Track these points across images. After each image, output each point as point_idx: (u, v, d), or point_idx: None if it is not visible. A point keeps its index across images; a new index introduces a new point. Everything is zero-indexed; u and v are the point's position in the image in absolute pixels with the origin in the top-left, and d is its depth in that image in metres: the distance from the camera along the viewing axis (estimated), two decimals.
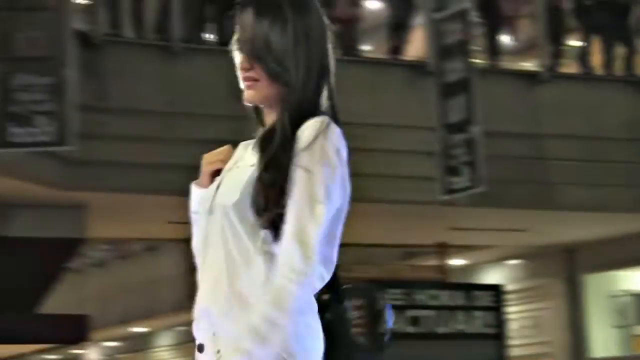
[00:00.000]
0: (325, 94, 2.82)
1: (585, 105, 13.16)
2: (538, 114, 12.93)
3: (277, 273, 2.61)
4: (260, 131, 2.80)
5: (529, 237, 14.56)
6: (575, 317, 15.85)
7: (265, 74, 2.74)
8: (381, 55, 13.45)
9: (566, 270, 15.95)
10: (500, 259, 16.40)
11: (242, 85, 2.77)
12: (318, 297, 2.72)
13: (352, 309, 2.91)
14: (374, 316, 3.03)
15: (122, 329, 22.01)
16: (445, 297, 12.38)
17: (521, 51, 14.81)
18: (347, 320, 2.89)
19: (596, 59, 13.91)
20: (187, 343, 19.89)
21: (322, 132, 2.68)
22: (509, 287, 14.84)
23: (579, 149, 12.94)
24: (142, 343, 21.64)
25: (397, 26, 12.96)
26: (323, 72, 2.83)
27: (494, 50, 13.31)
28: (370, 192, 11.94)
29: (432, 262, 14.75)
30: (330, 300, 2.81)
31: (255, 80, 2.76)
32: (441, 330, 12.21)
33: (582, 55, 13.89)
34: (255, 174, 2.69)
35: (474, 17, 12.51)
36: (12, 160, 10.06)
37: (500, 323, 12.72)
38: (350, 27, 12.96)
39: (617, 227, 14.01)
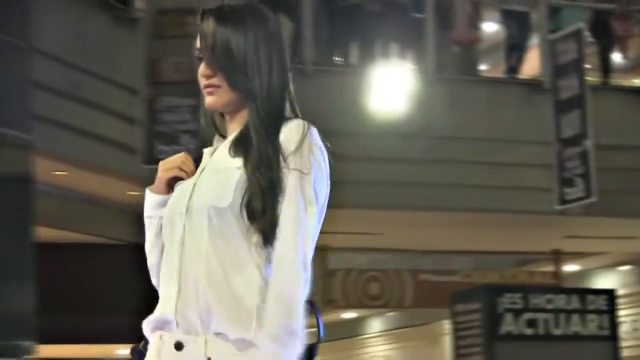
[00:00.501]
0: (287, 98, 2.72)
1: None
2: None
3: (282, 275, 2.54)
4: (228, 137, 2.71)
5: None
6: None
7: (226, 81, 2.66)
8: (499, 74, 13.35)
9: None
10: (613, 265, 16.15)
11: (203, 92, 2.69)
12: None
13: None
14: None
15: None
16: (560, 301, 12.21)
17: (631, 68, 14.60)
18: None
19: None
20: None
21: (306, 135, 2.61)
22: (621, 291, 14.62)
23: None
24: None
25: (514, 47, 12.87)
26: (284, 78, 2.72)
27: (605, 68, 13.14)
28: (488, 202, 11.89)
29: (547, 268, 14.63)
30: None
31: (217, 86, 2.67)
32: (557, 332, 12.04)
33: None
34: (245, 176, 2.59)
35: (587, 37, 12.40)
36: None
37: (613, 326, 12.49)
38: (469, 48, 12.91)
39: None
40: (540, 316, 11.95)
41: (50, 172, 9.26)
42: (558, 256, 14.44)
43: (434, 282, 14.03)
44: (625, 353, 13.58)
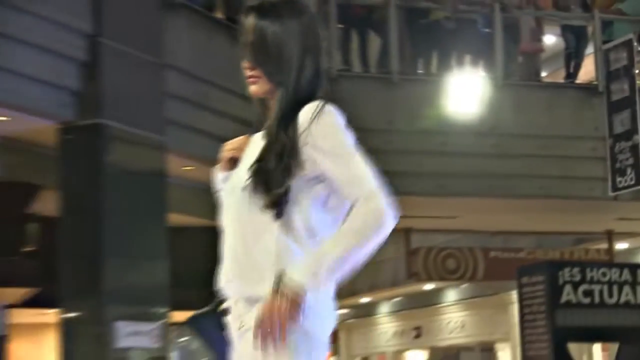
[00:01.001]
0: (321, 87, 2.61)
1: None
2: None
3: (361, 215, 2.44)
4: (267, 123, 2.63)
5: None
6: None
7: (264, 73, 2.58)
8: (559, 79, 13.22)
9: None
10: None
11: (247, 81, 2.62)
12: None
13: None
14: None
15: (351, 300, 22.26)
16: (613, 274, 12.05)
17: None
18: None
19: None
20: (401, 311, 20.05)
21: (319, 111, 2.51)
22: None
23: None
24: (366, 311, 21.78)
25: (571, 56, 12.72)
26: (318, 69, 2.62)
27: None
28: (550, 190, 11.81)
29: (601, 246, 14.45)
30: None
31: (257, 77, 2.59)
32: (610, 301, 11.88)
33: None
34: (262, 156, 2.53)
35: (636, 46, 12.22)
36: None
37: None
38: (532, 58, 12.80)
39: None
40: (596, 287, 11.81)
41: (180, 167, 9.31)
42: (610, 236, 14.23)
43: (503, 258, 13.93)
44: None
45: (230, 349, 2.56)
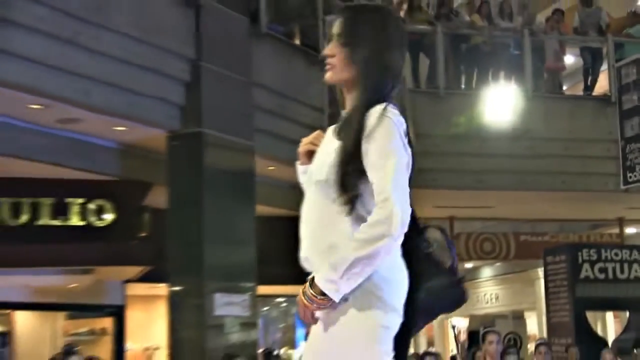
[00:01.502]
0: (395, 92, 2.37)
1: None
2: None
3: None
4: (342, 114, 2.41)
5: None
6: None
7: (344, 60, 2.34)
8: (578, 92, 13.06)
9: None
10: None
11: (326, 67, 2.40)
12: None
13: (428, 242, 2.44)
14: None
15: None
16: (624, 254, 11.90)
17: None
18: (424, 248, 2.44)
19: None
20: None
21: (383, 114, 2.26)
22: None
23: None
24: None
25: (589, 72, 12.58)
26: (397, 73, 2.39)
27: None
28: (571, 184, 11.69)
29: (614, 230, 14.25)
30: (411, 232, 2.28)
31: (334, 65, 2.37)
32: (622, 277, 11.75)
33: None
34: (337, 159, 2.30)
35: None
36: None
37: None
38: (556, 74, 12.67)
39: None
40: (609, 265, 11.69)
41: (265, 167, 9.35)
42: (621, 222, 14.05)
43: (531, 241, 13.82)
44: None
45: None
